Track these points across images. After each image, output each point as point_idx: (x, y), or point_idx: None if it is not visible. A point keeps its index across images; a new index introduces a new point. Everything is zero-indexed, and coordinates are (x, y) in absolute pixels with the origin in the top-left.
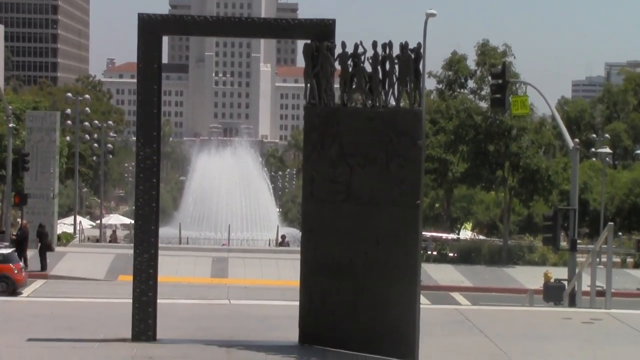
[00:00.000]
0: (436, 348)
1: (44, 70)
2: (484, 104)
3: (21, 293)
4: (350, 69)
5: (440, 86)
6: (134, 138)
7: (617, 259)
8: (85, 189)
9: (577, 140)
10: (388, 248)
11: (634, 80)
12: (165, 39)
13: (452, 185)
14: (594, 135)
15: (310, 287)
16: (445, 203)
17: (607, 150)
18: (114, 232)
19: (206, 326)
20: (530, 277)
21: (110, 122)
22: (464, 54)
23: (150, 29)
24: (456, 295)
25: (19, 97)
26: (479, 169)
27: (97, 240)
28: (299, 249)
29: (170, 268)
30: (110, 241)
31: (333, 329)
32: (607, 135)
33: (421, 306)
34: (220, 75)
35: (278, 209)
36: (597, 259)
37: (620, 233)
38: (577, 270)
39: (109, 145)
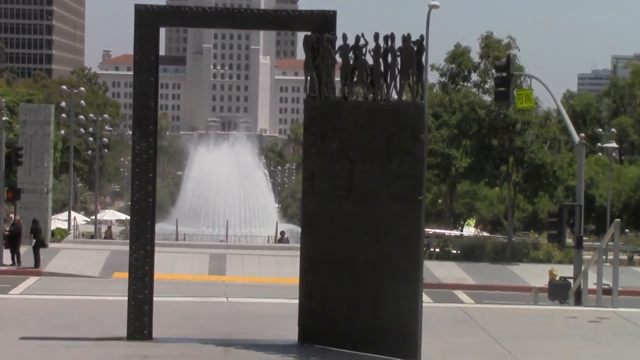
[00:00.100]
0: (439, 347)
1: (38, 62)
2: (487, 98)
3: None
4: (351, 62)
5: (443, 79)
6: (130, 132)
7: (624, 256)
8: (80, 184)
9: (582, 134)
10: (389, 245)
11: None
12: (162, 31)
13: (455, 180)
14: (600, 130)
15: (310, 285)
16: (448, 199)
17: (614, 145)
18: (109, 228)
19: (203, 325)
20: (535, 274)
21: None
22: (467, 47)
23: (147, 20)
24: (459, 294)
25: (12, 90)
26: (483, 164)
27: (92, 237)
28: (298, 245)
29: (167, 265)
30: (105, 237)
31: (333, 327)
32: (613, 129)
33: (423, 304)
34: (219, 67)
35: (277, 205)
36: (604, 256)
37: (627, 230)
38: (583, 268)
39: (105, 139)
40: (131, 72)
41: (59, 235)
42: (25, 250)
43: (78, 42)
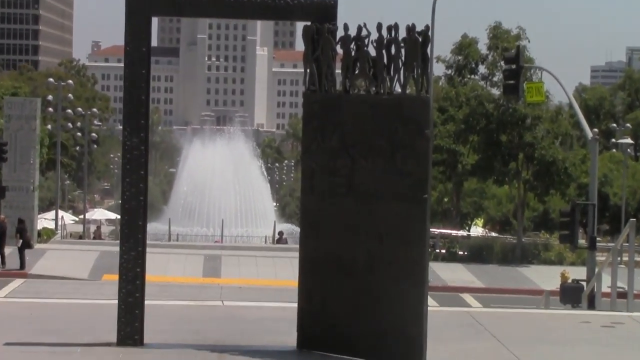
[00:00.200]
0: (445, 353)
1: (24, 53)
2: (496, 91)
3: None
4: (353, 53)
5: (449, 72)
6: (120, 127)
7: (639, 258)
8: (68, 182)
9: (596, 130)
10: (393, 245)
11: None
12: (154, 21)
13: (462, 178)
14: (614, 125)
15: (310, 288)
16: (455, 197)
17: (629, 140)
18: (99, 227)
19: (197, 329)
20: (546, 277)
21: (94, 110)
22: (474, 38)
23: (139, 9)
24: (466, 297)
25: None
26: (491, 161)
27: (80, 237)
28: (297, 246)
29: (159, 267)
30: (94, 237)
31: (334, 332)
32: (628, 124)
33: (429, 308)
34: (214, 59)
35: (275, 204)
36: (618, 258)
37: None
38: (596, 270)
39: (94, 135)
40: (121, 64)
41: (46, 235)
42: (9, 251)
43: (66, 32)
